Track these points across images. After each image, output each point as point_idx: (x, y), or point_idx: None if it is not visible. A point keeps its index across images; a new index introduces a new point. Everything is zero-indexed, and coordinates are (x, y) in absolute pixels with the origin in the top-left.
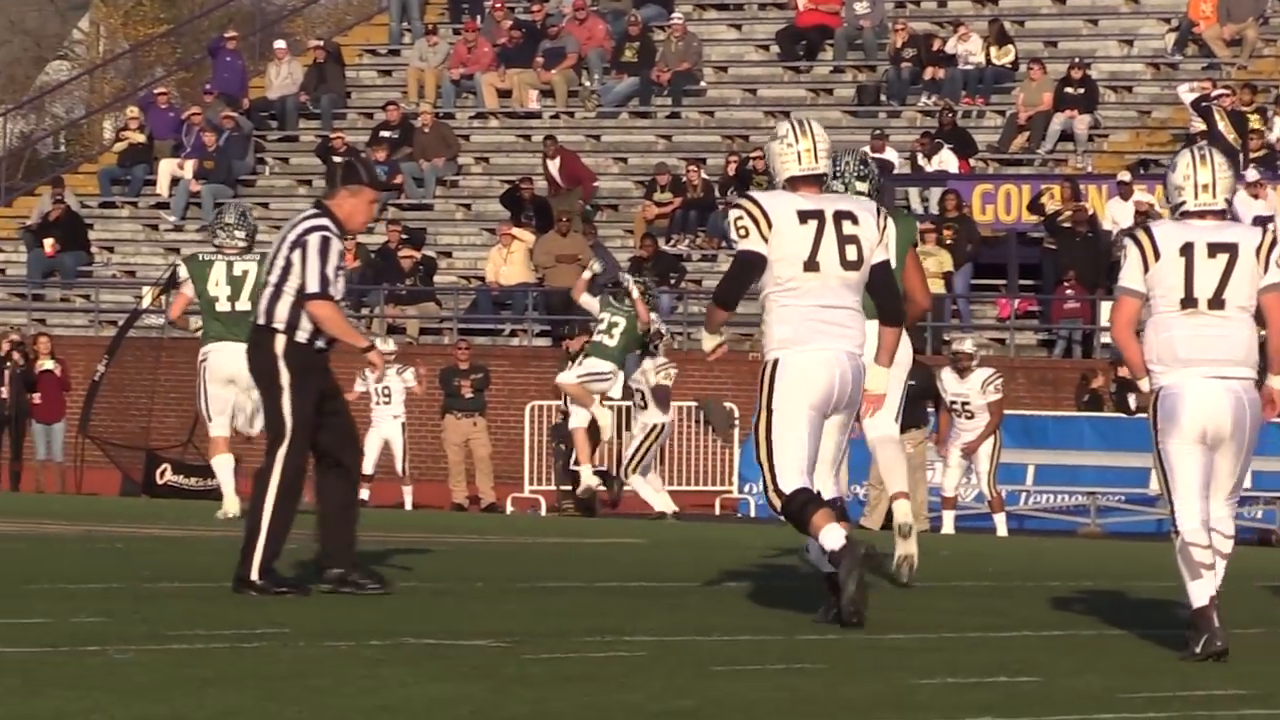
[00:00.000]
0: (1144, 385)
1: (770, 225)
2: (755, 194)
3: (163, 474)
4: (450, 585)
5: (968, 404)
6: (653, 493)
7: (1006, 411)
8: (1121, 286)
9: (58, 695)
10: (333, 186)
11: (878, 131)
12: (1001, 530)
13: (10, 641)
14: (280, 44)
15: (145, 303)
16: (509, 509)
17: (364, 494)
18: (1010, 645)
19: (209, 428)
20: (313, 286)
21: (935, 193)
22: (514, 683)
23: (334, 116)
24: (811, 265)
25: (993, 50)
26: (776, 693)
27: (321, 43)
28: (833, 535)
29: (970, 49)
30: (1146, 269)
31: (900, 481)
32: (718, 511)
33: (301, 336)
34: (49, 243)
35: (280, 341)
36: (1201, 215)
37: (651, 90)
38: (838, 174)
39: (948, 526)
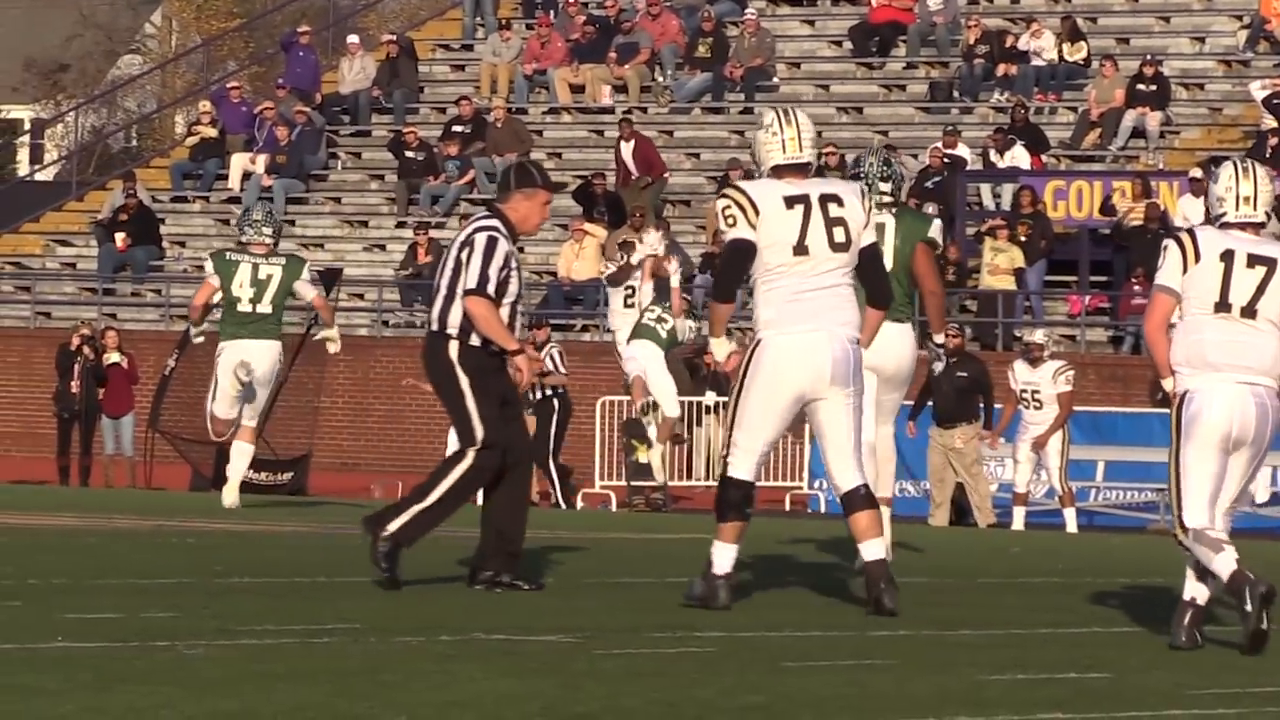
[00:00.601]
0: (1167, 385)
1: (758, 212)
2: (740, 182)
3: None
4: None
5: (1038, 393)
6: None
7: (1076, 407)
8: (1159, 284)
9: (128, 690)
10: (505, 190)
11: (950, 128)
12: (1071, 526)
13: (81, 637)
14: (353, 39)
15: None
16: (579, 504)
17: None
18: (1080, 641)
19: (215, 411)
20: (471, 283)
21: (1007, 189)
22: (585, 678)
23: (406, 111)
24: (801, 249)
25: (1065, 47)
26: (847, 688)
27: (394, 37)
28: (723, 556)
29: (1043, 45)
30: (1185, 270)
31: (880, 487)
32: (788, 507)
33: (475, 340)
34: (120, 237)
35: (454, 347)
36: (1242, 227)
37: (724, 86)
38: (861, 174)
39: (1018, 523)
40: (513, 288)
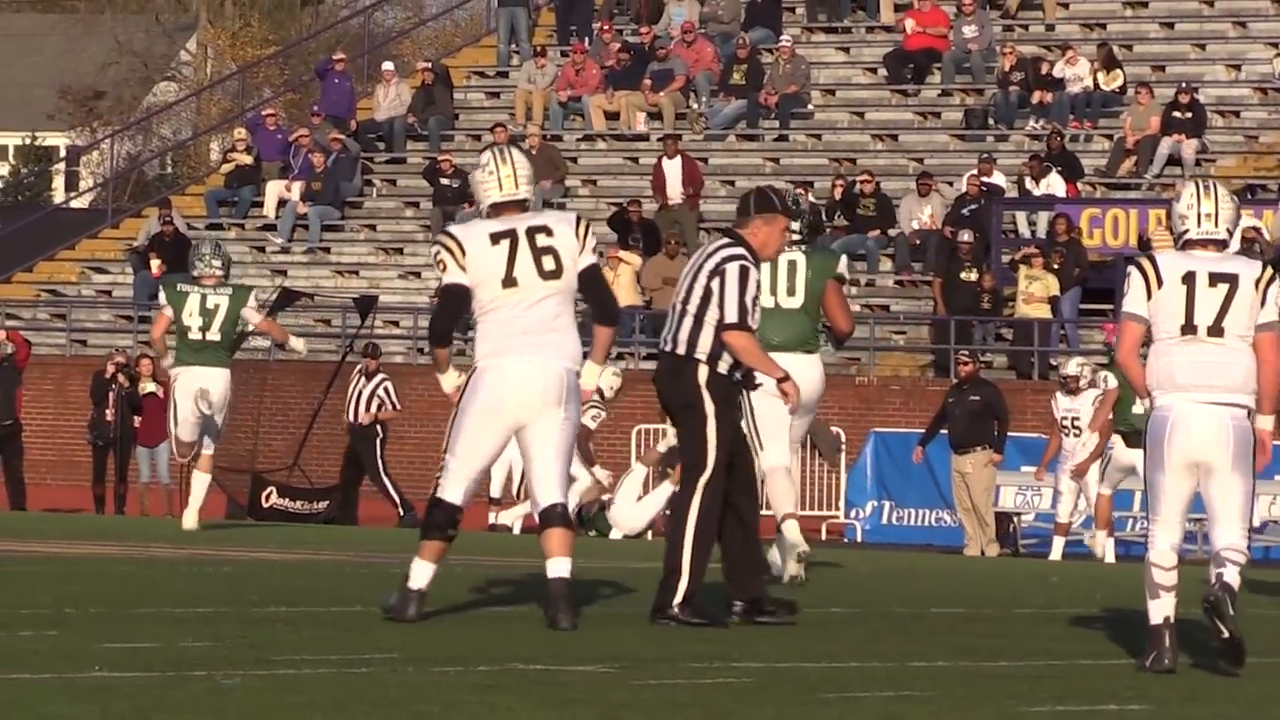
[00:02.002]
0: (1145, 406)
1: (464, 253)
2: (451, 228)
3: (268, 497)
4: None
5: (1077, 420)
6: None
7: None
8: (1125, 312)
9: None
10: (745, 215)
11: (985, 155)
12: (1109, 556)
13: (118, 666)
14: (388, 66)
15: (250, 326)
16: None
17: (492, 518)
18: (1119, 673)
19: (176, 434)
20: (731, 316)
21: (1042, 217)
22: (623, 709)
23: (442, 138)
24: (510, 281)
25: (1100, 75)
26: None
27: (429, 64)
28: (420, 573)
29: (1078, 73)
30: (1149, 296)
31: (789, 504)
32: (824, 536)
33: (723, 367)
34: (155, 264)
35: (703, 372)
36: (1204, 245)
37: (759, 113)
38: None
39: (1056, 553)
40: (758, 313)
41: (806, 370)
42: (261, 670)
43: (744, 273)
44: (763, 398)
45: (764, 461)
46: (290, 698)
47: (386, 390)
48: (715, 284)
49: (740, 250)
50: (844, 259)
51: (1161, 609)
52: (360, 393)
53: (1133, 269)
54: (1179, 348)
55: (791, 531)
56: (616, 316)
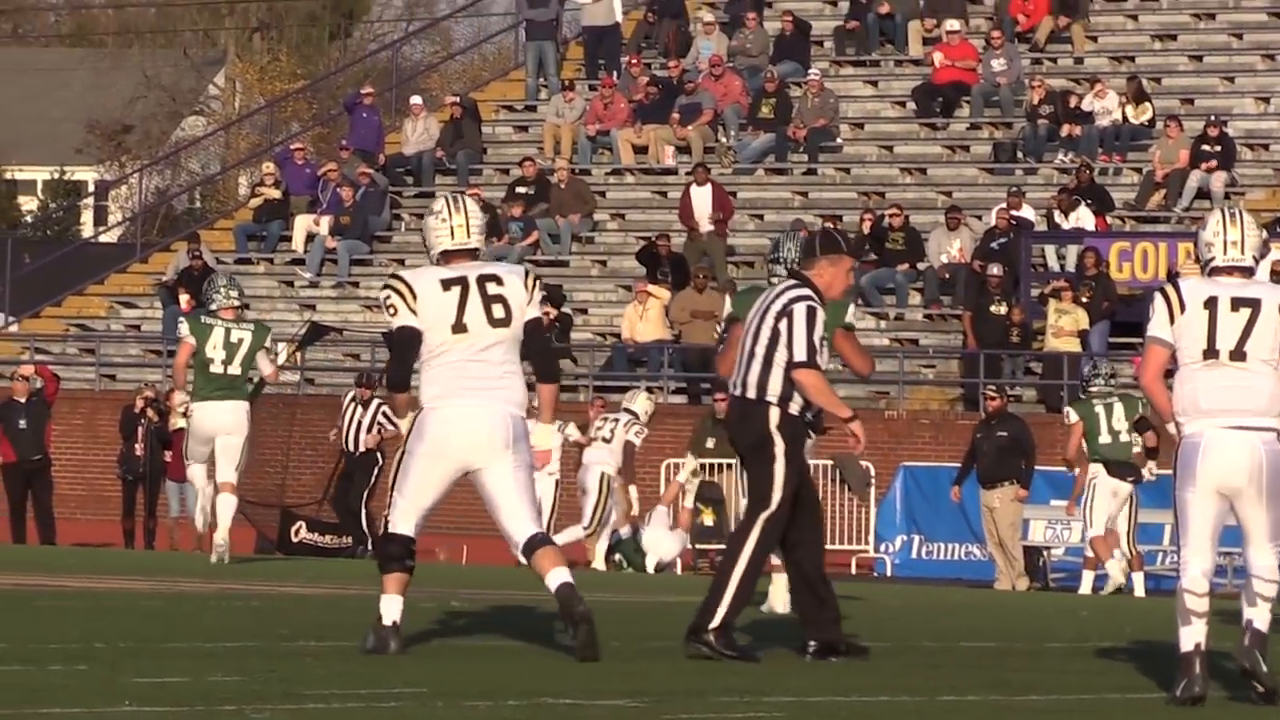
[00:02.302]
0: (1171, 429)
1: (415, 298)
2: (402, 273)
3: (297, 531)
4: None
5: None
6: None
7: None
8: (1149, 336)
9: None
10: (810, 256)
11: (1014, 188)
12: (1139, 590)
13: (147, 701)
14: (416, 100)
15: (281, 359)
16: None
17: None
18: (1148, 707)
19: (189, 468)
20: (800, 356)
21: (1071, 250)
22: None
23: (470, 172)
24: (459, 327)
25: (1129, 108)
26: None
27: (458, 99)
28: (390, 607)
29: (1107, 106)
30: (1173, 320)
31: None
32: (853, 570)
33: (794, 409)
34: (184, 299)
35: (775, 414)
36: (1229, 271)
37: (787, 146)
38: (781, 259)
39: (1085, 587)
40: (825, 353)
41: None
42: (291, 705)
43: (811, 313)
44: None
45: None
46: None
47: (385, 414)
48: (783, 325)
49: (806, 291)
50: (852, 307)
51: (1193, 635)
52: (359, 421)
53: (1157, 294)
54: (1202, 373)
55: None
56: (556, 374)
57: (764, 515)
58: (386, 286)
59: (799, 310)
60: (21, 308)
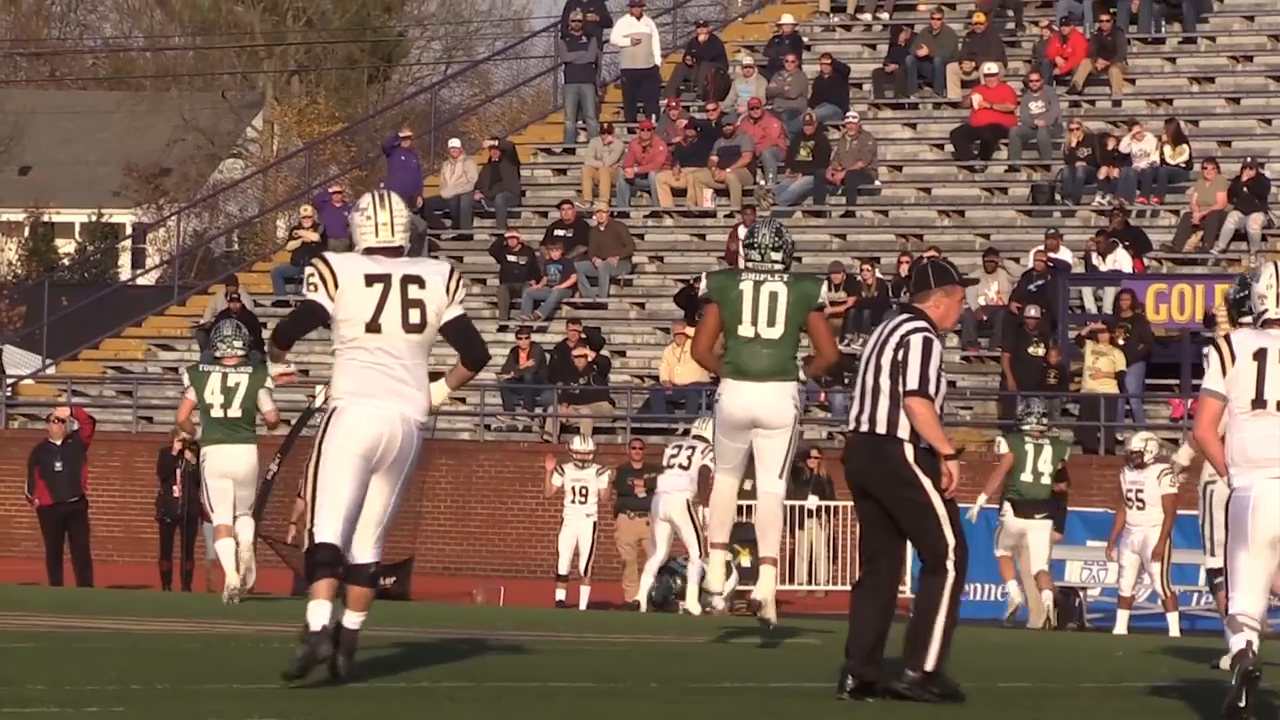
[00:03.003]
0: (1230, 481)
1: (337, 285)
2: (328, 254)
3: None
4: (626, 685)
5: (1141, 493)
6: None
7: (1180, 511)
8: (1204, 388)
9: None
10: (924, 289)
11: (1052, 230)
12: (1174, 630)
13: None
14: (455, 142)
15: (318, 401)
16: (681, 610)
17: (560, 594)
18: None
19: (212, 517)
20: (912, 384)
21: (1109, 292)
22: None
23: (508, 215)
24: (374, 326)
25: (1167, 150)
26: None
27: (496, 141)
28: (318, 612)
29: (1145, 148)
30: (1224, 373)
31: (773, 545)
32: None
33: (925, 442)
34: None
35: (910, 450)
36: None
37: (826, 189)
38: (755, 244)
39: (1120, 626)
40: (942, 388)
41: (776, 398)
42: None
43: (928, 344)
44: (726, 427)
45: (759, 485)
46: None
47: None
48: (901, 355)
49: (923, 323)
50: (824, 286)
51: (1244, 637)
52: None
53: (1210, 348)
54: (1250, 423)
55: (716, 563)
56: (482, 361)
57: (950, 561)
58: (312, 264)
59: (915, 340)
60: (59, 350)
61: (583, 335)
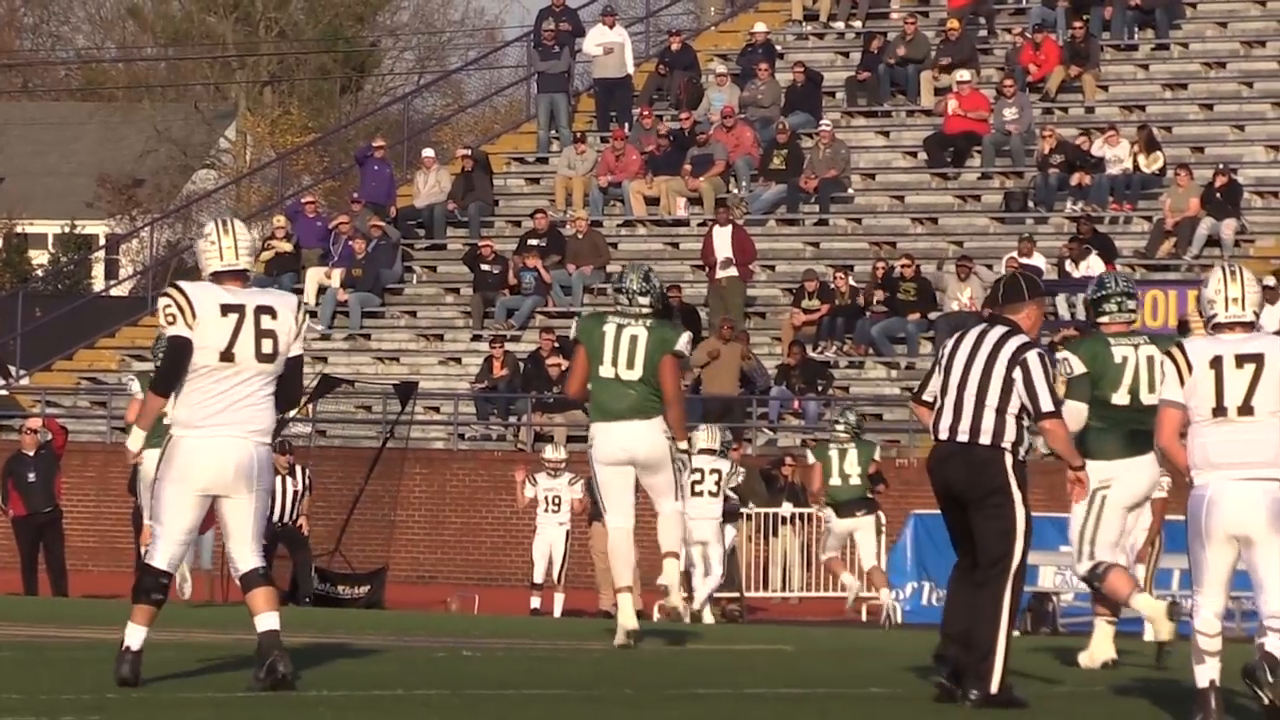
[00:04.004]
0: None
1: (194, 315)
2: (182, 284)
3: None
4: (600, 692)
5: None
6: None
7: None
8: (1163, 399)
9: None
10: (1017, 299)
11: (1025, 236)
12: (1149, 635)
13: None
14: (428, 152)
15: (292, 412)
16: (655, 616)
17: (535, 602)
18: None
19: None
20: (1047, 406)
21: (1082, 298)
22: None
23: (482, 225)
24: (228, 356)
25: (1141, 157)
26: None
27: (469, 151)
28: (133, 635)
29: (1119, 154)
30: (1183, 382)
31: (675, 542)
32: (864, 617)
33: (1022, 454)
34: None
35: (1009, 460)
36: (1231, 327)
37: (799, 197)
38: (624, 289)
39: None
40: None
41: (646, 434)
42: None
43: (1043, 361)
44: (605, 468)
45: (609, 523)
46: None
47: (309, 482)
48: (1018, 374)
49: (1028, 338)
50: (685, 337)
51: (1207, 673)
52: (283, 492)
53: (1165, 358)
54: (1211, 429)
55: (626, 606)
56: (294, 404)
57: (1012, 570)
58: (166, 294)
59: (1033, 359)
60: (32, 361)
61: (556, 344)
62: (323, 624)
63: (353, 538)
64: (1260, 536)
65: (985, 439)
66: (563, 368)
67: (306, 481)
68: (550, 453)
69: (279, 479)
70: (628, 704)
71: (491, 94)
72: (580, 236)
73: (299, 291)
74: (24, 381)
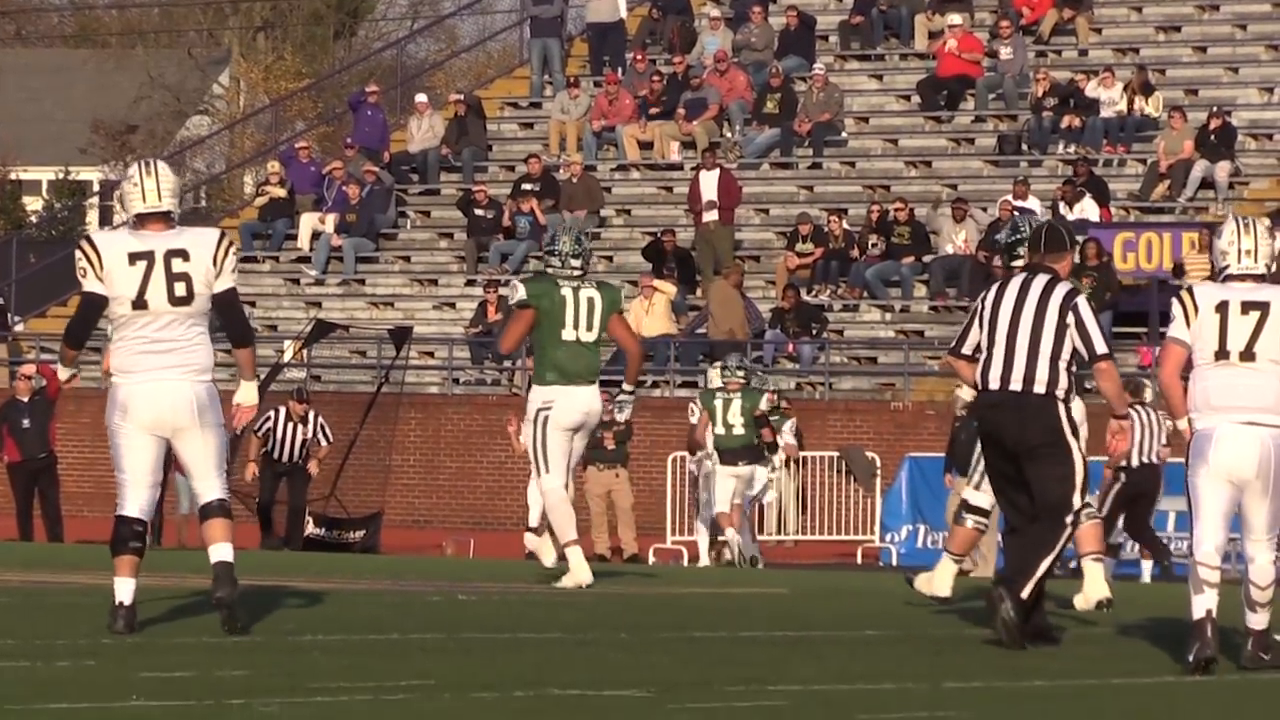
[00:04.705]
0: (1182, 425)
1: (102, 267)
2: (93, 235)
3: (304, 526)
4: (595, 636)
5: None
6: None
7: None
8: (1168, 337)
9: None
10: (1060, 249)
11: (1020, 179)
12: (1146, 577)
13: (155, 695)
14: (421, 98)
15: (287, 357)
16: (651, 560)
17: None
18: (1155, 691)
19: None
20: (1102, 349)
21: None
22: None
23: (475, 170)
24: (140, 303)
25: (1138, 99)
26: None
27: (462, 96)
28: (120, 588)
29: (1113, 96)
30: (1189, 324)
31: (571, 529)
32: (859, 560)
33: (1073, 401)
34: None
35: (1063, 410)
36: (1242, 279)
37: (793, 141)
38: (555, 251)
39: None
40: None
41: (596, 398)
42: (299, 698)
43: (1089, 305)
44: (560, 431)
45: (543, 484)
46: None
47: (323, 428)
48: (1070, 319)
49: (1072, 285)
50: (622, 292)
51: (1204, 603)
52: (289, 438)
53: (1174, 300)
54: (1213, 372)
55: (577, 558)
56: (248, 338)
57: (1069, 517)
58: (79, 248)
59: (1082, 305)
60: (27, 308)
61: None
62: (318, 568)
63: (348, 482)
64: (1257, 481)
65: (1039, 388)
66: None
67: (318, 429)
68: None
69: (290, 425)
70: (622, 648)
71: (485, 39)
72: (574, 181)
73: (292, 237)
74: (19, 328)
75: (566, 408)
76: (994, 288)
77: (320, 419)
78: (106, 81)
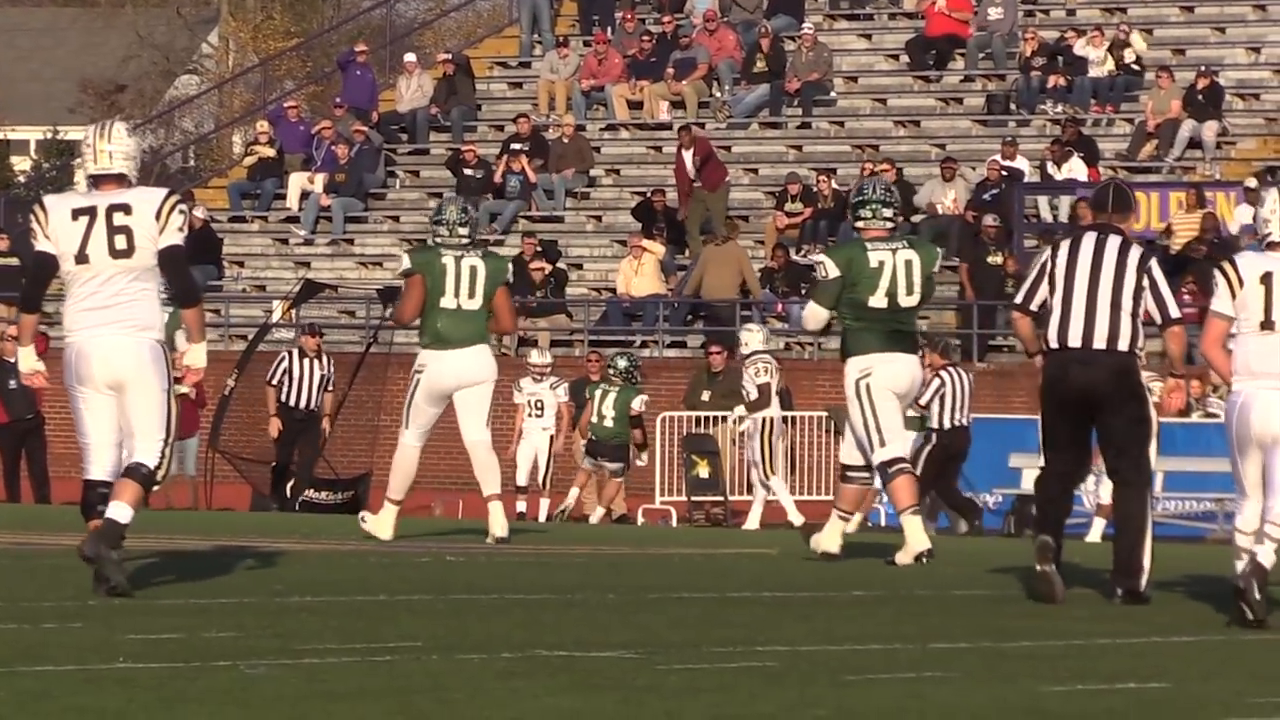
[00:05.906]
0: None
1: (48, 224)
2: (45, 198)
3: (294, 487)
4: (583, 596)
5: None
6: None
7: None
8: (1212, 310)
9: (190, 710)
10: (1127, 210)
11: (1008, 139)
12: (1095, 536)
13: (143, 657)
14: (410, 57)
15: (275, 317)
16: (640, 520)
17: (521, 506)
18: (1140, 651)
19: None
20: (1175, 312)
21: (1065, 200)
22: (647, 694)
23: (464, 129)
24: (82, 258)
25: (1127, 50)
26: (908, 700)
27: (451, 55)
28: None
29: (1100, 54)
30: (1234, 295)
31: (494, 484)
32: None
33: (1141, 358)
34: None
35: (1136, 364)
36: None
37: (782, 100)
38: (443, 220)
39: (1095, 534)
40: None
41: (476, 357)
42: (286, 660)
43: (1160, 266)
44: (429, 395)
45: (466, 436)
46: (315, 686)
47: (332, 370)
48: (1146, 280)
49: (1145, 248)
50: (510, 264)
51: (1242, 567)
52: (307, 377)
53: (1217, 271)
54: (1256, 340)
55: (389, 515)
56: (194, 298)
57: (1149, 492)
58: (31, 212)
59: (1155, 266)
60: None
61: (539, 248)
62: (307, 529)
63: (336, 443)
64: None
65: (1123, 344)
66: (546, 271)
67: (330, 370)
68: (535, 357)
69: (305, 362)
70: (610, 608)
71: None
72: (565, 140)
73: (281, 196)
74: None
75: (437, 372)
76: (1065, 246)
77: (330, 360)
78: (95, 40)
